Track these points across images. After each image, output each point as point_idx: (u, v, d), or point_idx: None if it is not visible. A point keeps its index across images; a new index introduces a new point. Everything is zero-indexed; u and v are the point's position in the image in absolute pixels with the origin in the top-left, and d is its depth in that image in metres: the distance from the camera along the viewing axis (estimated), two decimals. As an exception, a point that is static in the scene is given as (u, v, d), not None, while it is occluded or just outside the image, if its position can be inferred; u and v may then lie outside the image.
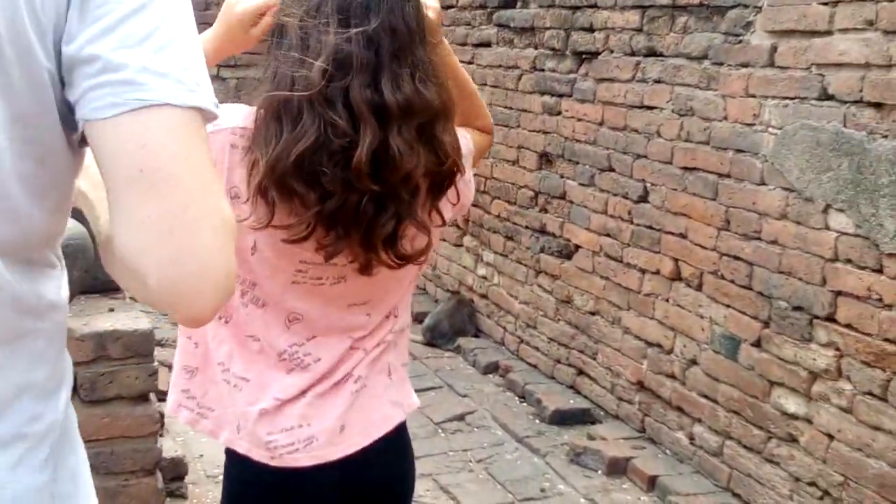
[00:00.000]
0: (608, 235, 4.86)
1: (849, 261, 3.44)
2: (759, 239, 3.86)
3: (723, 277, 4.07)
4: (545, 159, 5.43)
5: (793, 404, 3.71)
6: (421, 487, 4.08)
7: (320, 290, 1.78)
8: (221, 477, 1.96)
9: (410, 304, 1.98)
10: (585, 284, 5.07)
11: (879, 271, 3.31)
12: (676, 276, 4.38)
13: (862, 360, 3.39)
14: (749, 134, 3.90)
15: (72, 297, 2.87)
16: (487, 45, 5.85)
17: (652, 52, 4.51)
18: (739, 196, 3.96)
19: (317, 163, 1.62)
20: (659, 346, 4.50)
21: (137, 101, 0.97)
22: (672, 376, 4.41)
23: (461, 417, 4.96)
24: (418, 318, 5.90)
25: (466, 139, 1.90)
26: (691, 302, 4.28)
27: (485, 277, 6.11)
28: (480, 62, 5.85)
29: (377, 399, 1.86)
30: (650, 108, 4.52)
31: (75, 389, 2.87)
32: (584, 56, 5.04)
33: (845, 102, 3.43)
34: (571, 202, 5.17)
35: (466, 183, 1.89)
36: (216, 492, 3.75)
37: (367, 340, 1.85)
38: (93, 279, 2.99)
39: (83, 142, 1.04)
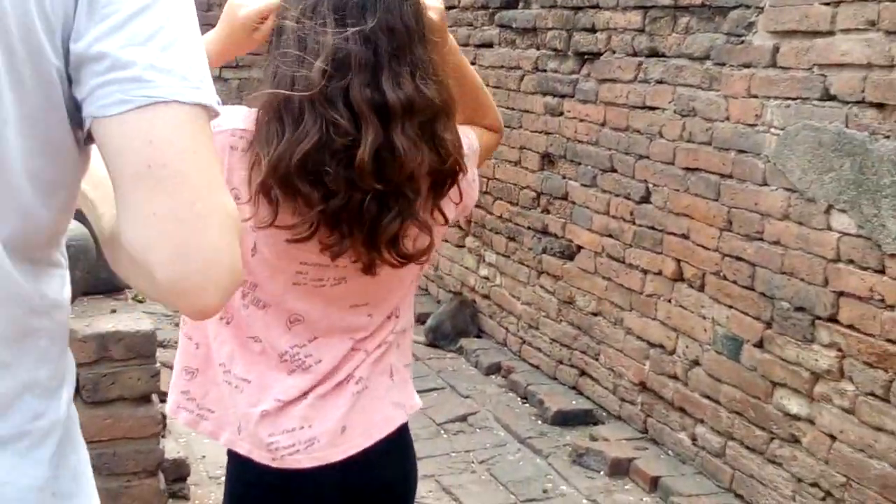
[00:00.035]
0: (610, 236, 4.86)
1: (851, 261, 3.43)
2: (761, 239, 3.86)
3: (725, 278, 4.07)
4: (547, 160, 5.43)
5: (795, 405, 3.71)
6: (423, 488, 4.08)
7: (321, 292, 1.78)
8: (224, 478, 1.96)
9: (413, 305, 1.97)
10: (587, 285, 5.07)
11: (882, 272, 3.31)
12: (679, 277, 4.38)
13: (864, 361, 3.38)
14: (751, 134, 3.90)
15: (74, 298, 2.88)
16: (489, 45, 5.86)
17: (654, 53, 4.51)
18: (741, 197, 3.96)
19: (320, 162, 1.62)
20: (661, 346, 4.50)
21: (145, 97, 0.99)
22: (674, 377, 4.41)
23: (463, 418, 4.96)
24: (420, 319, 5.90)
25: (470, 138, 1.89)
26: (693, 303, 4.27)
27: (487, 278, 6.11)
28: (482, 63, 5.85)
29: (379, 400, 1.85)
30: (652, 108, 4.52)
31: (78, 391, 2.87)
32: (586, 57, 5.03)
33: (847, 103, 3.43)
34: (573, 203, 5.17)
35: (470, 182, 1.88)
36: (218, 493, 3.75)
37: (369, 341, 1.84)
38: (95, 280, 2.99)
39: (88, 140, 1.05)
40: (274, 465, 1.80)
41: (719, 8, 4.07)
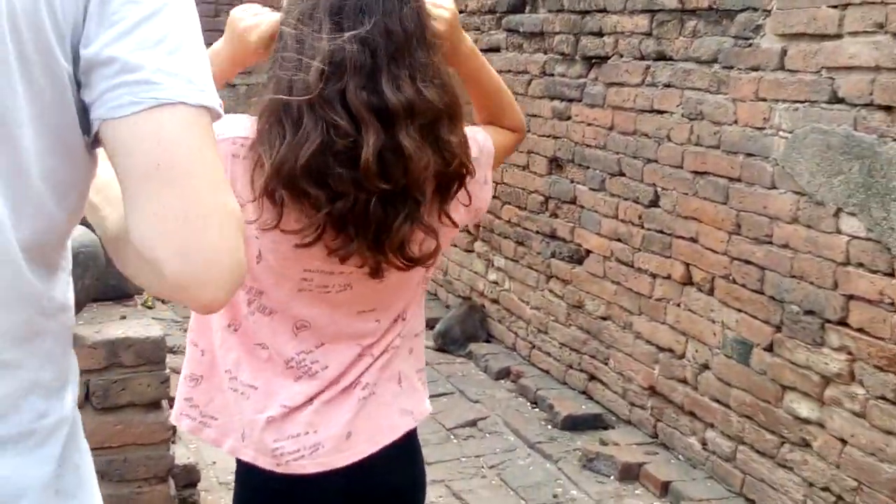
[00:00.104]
0: (619, 240, 4.86)
1: (860, 265, 3.42)
2: (770, 243, 3.85)
3: (734, 282, 4.06)
4: (555, 164, 5.43)
5: (805, 409, 3.70)
6: (433, 493, 4.08)
7: (326, 298, 1.78)
8: (233, 484, 1.97)
9: (423, 309, 1.96)
10: (596, 289, 5.07)
11: (891, 275, 3.30)
12: (688, 281, 4.37)
13: (875, 365, 3.38)
14: (759, 138, 3.90)
15: (83, 304, 2.89)
16: (497, 50, 5.86)
17: (661, 57, 4.50)
18: (750, 200, 3.95)
19: (324, 164, 1.62)
20: (671, 350, 4.49)
21: (153, 99, 1.03)
22: (684, 381, 4.41)
23: (473, 423, 4.96)
24: (429, 324, 5.90)
25: (483, 140, 1.88)
26: (703, 306, 4.27)
27: (496, 283, 6.11)
28: (490, 68, 5.84)
29: (386, 407, 1.85)
30: (660, 112, 4.52)
31: (88, 397, 2.88)
32: (593, 60, 5.03)
33: (855, 105, 3.42)
34: (582, 207, 5.17)
35: (481, 185, 1.87)
36: (228, 499, 3.75)
37: (375, 346, 1.84)
38: (104, 287, 2.99)
39: (95, 143, 1.09)
40: (279, 470, 1.80)
41: (727, 11, 4.07)
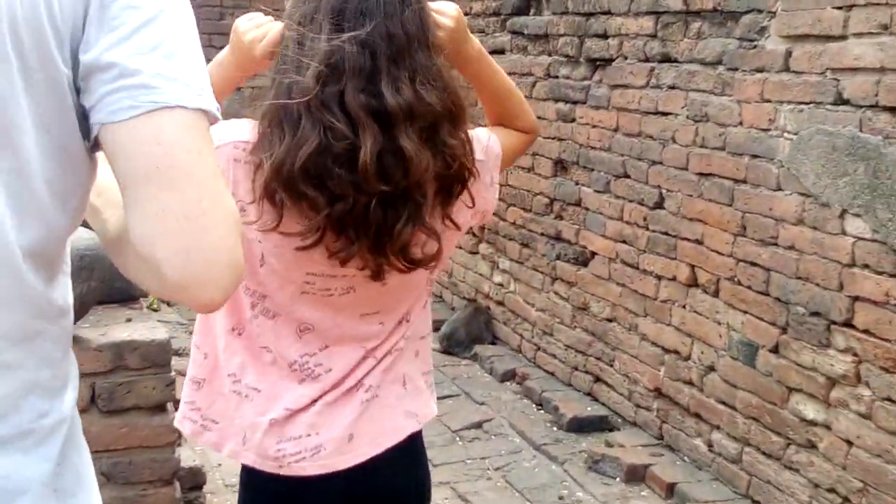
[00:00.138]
0: (624, 242, 4.85)
1: (866, 266, 3.42)
2: (775, 244, 3.85)
3: (740, 283, 4.06)
4: (560, 166, 5.43)
5: (811, 410, 3.69)
6: (439, 496, 4.08)
7: (329, 301, 1.78)
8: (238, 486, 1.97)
9: (429, 311, 1.96)
10: (602, 291, 5.06)
11: (897, 276, 3.30)
12: (693, 283, 4.37)
13: (881, 366, 3.37)
14: (764, 139, 3.89)
15: (89, 307, 2.89)
16: (501, 52, 5.86)
17: (666, 58, 4.50)
18: (755, 202, 3.95)
19: (322, 166, 1.63)
20: (676, 352, 4.49)
21: (152, 102, 1.05)
22: (690, 383, 4.40)
23: (479, 425, 4.96)
24: (435, 326, 5.87)
25: (485, 143, 1.87)
26: (708, 308, 4.26)
27: (501, 285, 6.11)
28: (495, 70, 5.84)
29: (390, 409, 1.85)
30: (665, 114, 4.52)
31: (93, 399, 2.89)
32: (598, 63, 5.03)
33: (861, 107, 3.42)
34: (587, 209, 5.17)
35: (487, 187, 1.87)
36: (233, 501, 3.74)
37: (379, 349, 1.84)
38: (110, 289, 3.00)
39: (95, 147, 1.11)
40: (280, 472, 1.80)
41: (731, 13, 4.07)
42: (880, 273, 3.36)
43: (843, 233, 3.51)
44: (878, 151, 3.33)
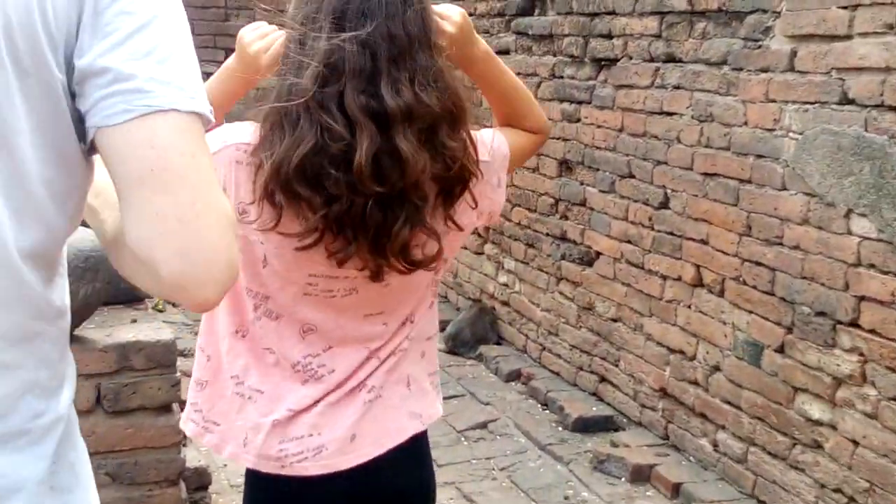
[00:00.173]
0: (629, 242, 4.85)
1: (872, 266, 3.42)
2: (780, 244, 3.84)
3: (745, 283, 4.05)
4: (565, 166, 5.43)
5: (817, 410, 3.69)
6: (444, 496, 4.08)
7: (332, 302, 1.79)
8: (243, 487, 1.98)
9: (436, 312, 1.96)
10: (607, 291, 5.06)
11: (903, 276, 3.30)
12: (698, 283, 4.37)
13: (886, 366, 3.36)
14: (770, 139, 3.89)
15: (94, 308, 2.89)
16: (506, 52, 5.85)
17: (671, 59, 4.50)
18: (761, 201, 3.95)
19: (318, 166, 1.63)
20: (681, 352, 4.49)
21: (146, 106, 1.07)
22: (695, 383, 4.40)
23: (484, 425, 4.96)
24: (440, 327, 5.87)
25: (491, 144, 1.86)
26: (713, 308, 4.26)
27: (506, 285, 6.11)
28: (499, 70, 5.83)
29: (393, 410, 1.85)
30: (670, 114, 4.51)
31: (98, 400, 2.89)
32: (602, 63, 5.03)
33: (866, 106, 3.41)
34: (592, 209, 5.17)
35: (494, 188, 1.87)
36: (239, 501, 3.75)
37: (382, 349, 1.84)
38: (115, 290, 3.00)
39: (92, 151, 1.12)
40: (283, 472, 1.81)
41: (736, 13, 4.06)
42: (886, 273, 3.35)
43: (849, 232, 3.51)
44: (884, 151, 3.33)
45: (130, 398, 2.93)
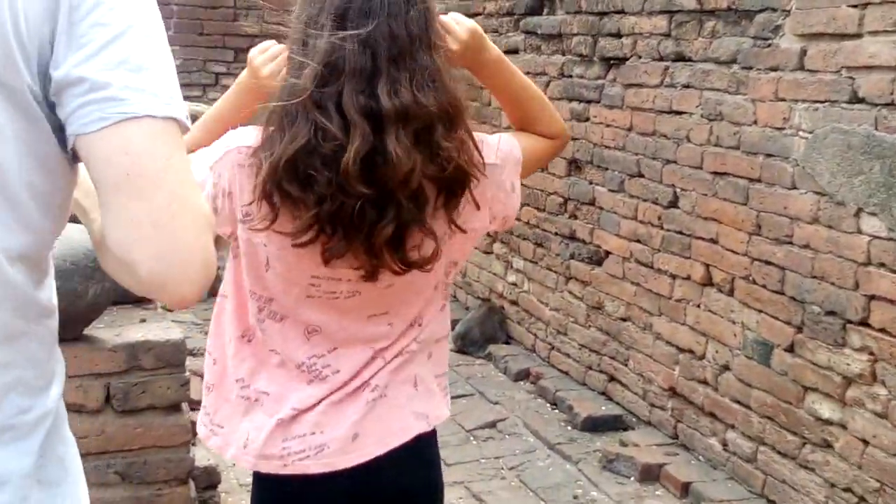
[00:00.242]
0: (638, 241, 4.84)
1: (882, 264, 3.41)
2: (790, 243, 3.84)
3: (754, 282, 4.04)
4: (574, 165, 5.42)
5: (827, 410, 3.68)
6: (453, 495, 4.08)
7: (335, 304, 1.79)
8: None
9: (447, 314, 1.95)
10: (616, 290, 5.05)
11: (913, 275, 3.29)
12: (708, 282, 4.36)
13: (896, 365, 3.36)
14: (779, 138, 3.88)
15: (103, 308, 2.90)
16: (515, 52, 5.85)
17: (680, 57, 4.49)
18: (770, 200, 3.94)
19: (310, 166, 1.63)
20: (691, 351, 4.48)
21: (120, 114, 1.10)
22: (704, 382, 4.39)
23: (493, 425, 4.96)
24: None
25: (494, 146, 1.84)
26: (723, 307, 4.25)
27: (515, 284, 6.11)
28: (508, 69, 5.83)
29: (398, 409, 1.85)
30: (679, 113, 4.51)
31: (108, 400, 2.90)
32: (611, 62, 5.03)
33: (876, 105, 3.40)
34: (601, 208, 5.16)
35: (508, 193, 1.85)
36: (248, 500, 3.76)
37: (388, 350, 1.84)
38: (124, 290, 3.00)
39: (76, 157, 1.16)
40: (284, 471, 1.81)
41: (745, 11, 4.06)
42: (896, 272, 3.35)
43: (859, 231, 3.50)
44: (894, 150, 3.32)
45: (140, 397, 2.93)
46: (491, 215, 1.84)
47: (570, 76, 5.38)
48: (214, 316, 1.91)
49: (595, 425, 4.86)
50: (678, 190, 4.53)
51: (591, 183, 5.25)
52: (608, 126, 5.06)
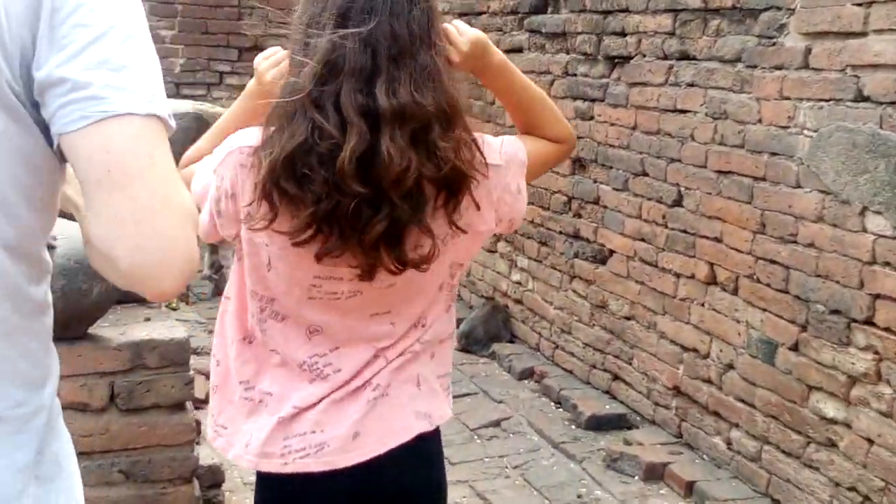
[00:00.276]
0: (643, 240, 4.84)
1: (887, 263, 3.40)
2: (795, 242, 3.83)
3: (759, 281, 4.04)
4: (578, 164, 5.42)
5: (832, 409, 3.68)
6: (457, 494, 4.08)
7: (337, 304, 1.79)
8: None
9: (453, 314, 1.94)
10: (620, 289, 5.05)
11: (918, 274, 3.28)
12: (712, 281, 4.35)
13: (901, 364, 3.35)
14: (784, 136, 3.87)
15: (108, 306, 2.90)
16: (519, 50, 5.85)
17: (685, 56, 4.49)
18: (775, 199, 3.93)
19: (306, 164, 1.63)
20: (695, 350, 4.48)
21: (101, 112, 1.12)
22: (708, 381, 4.39)
23: (497, 423, 4.96)
24: (453, 325, 5.89)
25: (497, 147, 1.84)
26: (727, 306, 4.25)
27: (519, 283, 6.10)
28: (512, 68, 5.83)
29: (400, 408, 1.84)
30: (683, 111, 4.50)
31: (112, 398, 2.90)
32: (616, 60, 5.02)
33: (881, 104, 3.40)
34: (605, 207, 5.16)
35: (515, 196, 1.85)
36: (252, 499, 3.77)
37: (390, 350, 1.84)
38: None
39: (63, 156, 1.17)
40: (285, 470, 1.81)
41: (750, 10, 4.05)
42: (901, 271, 3.34)
43: (864, 230, 3.49)
44: (899, 148, 3.31)
45: (144, 396, 2.93)
46: (497, 217, 1.84)
47: (575, 75, 5.38)
48: (219, 316, 1.91)
49: (599, 424, 4.86)
50: (682, 189, 4.52)
51: (595, 182, 5.25)
52: (612, 125, 5.06)
